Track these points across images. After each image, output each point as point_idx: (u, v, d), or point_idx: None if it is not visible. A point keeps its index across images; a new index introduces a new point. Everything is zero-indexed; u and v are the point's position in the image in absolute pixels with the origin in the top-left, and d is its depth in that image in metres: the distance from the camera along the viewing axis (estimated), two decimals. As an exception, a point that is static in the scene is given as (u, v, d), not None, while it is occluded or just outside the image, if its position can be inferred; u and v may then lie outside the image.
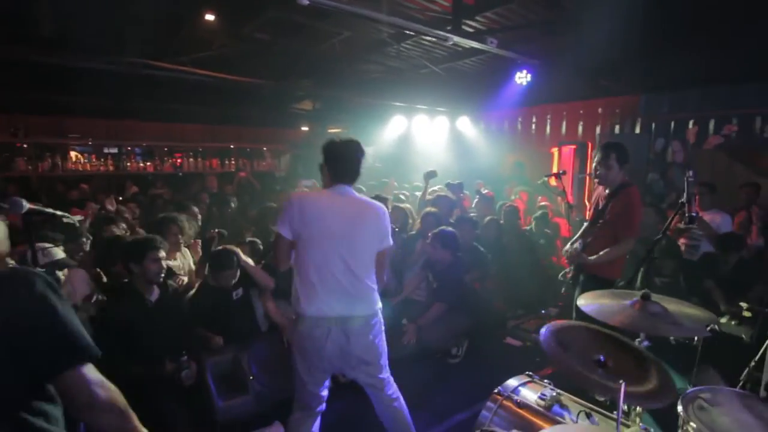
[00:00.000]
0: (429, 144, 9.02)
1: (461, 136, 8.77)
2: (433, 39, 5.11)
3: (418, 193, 5.64)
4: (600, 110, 6.92)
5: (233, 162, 9.85)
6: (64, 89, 7.21)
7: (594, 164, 2.99)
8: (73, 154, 8.55)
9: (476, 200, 5.68)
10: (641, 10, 4.43)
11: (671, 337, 2.92)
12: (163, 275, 2.53)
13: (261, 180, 8.83)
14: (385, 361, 2.21)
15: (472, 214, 4.94)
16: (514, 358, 3.73)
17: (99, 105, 8.31)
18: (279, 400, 2.53)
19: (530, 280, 4.54)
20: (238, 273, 2.92)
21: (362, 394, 2.30)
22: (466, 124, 8.73)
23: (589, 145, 6.48)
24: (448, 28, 4.35)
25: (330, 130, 11.46)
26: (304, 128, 11.28)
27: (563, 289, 3.22)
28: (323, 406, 2.20)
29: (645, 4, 4.36)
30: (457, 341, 3.62)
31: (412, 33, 5.42)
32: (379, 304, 2.16)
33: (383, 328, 2.20)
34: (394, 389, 2.27)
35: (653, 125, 6.23)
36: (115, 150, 9.02)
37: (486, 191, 5.95)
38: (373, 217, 2.11)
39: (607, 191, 2.95)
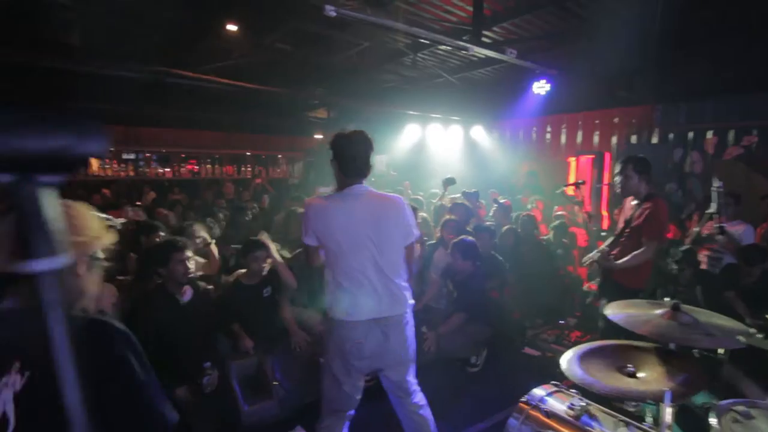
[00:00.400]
0: (443, 152, 9.06)
1: (475, 144, 8.79)
2: (449, 48, 5.18)
3: (434, 201, 5.67)
4: (616, 120, 6.90)
5: (249, 168, 9.99)
6: (86, 96, 7.40)
7: (614, 175, 3.07)
8: (93, 160, 8.75)
9: (494, 209, 5.67)
10: (658, 19, 4.45)
11: (695, 351, 2.90)
12: (191, 274, 2.58)
13: (275, 186, 8.93)
14: (414, 362, 2.21)
15: (488, 223, 4.94)
16: (533, 368, 3.70)
17: (119, 112, 8.51)
18: (302, 405, 2.54)
19: (548, 289, 4.52)
20: (267, 267, 2.99)
21: (383, 400, 2.29)
22: (480, 133, 8.76)
23: (607, 155, 6.45)
24: (465, 37, 4.41)
25: (344, 138, 11.55)
26: (318, 136, 11.40)
27: (588, 299, 3.21)
28: (354, 410, 2.19)
29: (662, 14, 4.38)
30: (476, 350, 3.61)
31: (428, 42, 5.49)
32: (411, 301, 2.14)
33: (414, 325, 2.20)
34: (420, 397, 2.25)
35: (670, 135, 6.19)
36: (133, 156, 9.21)
37: (503, 200, 5.96)
38: (394, 211, 2.06)
39: (633, 202, 3.01)
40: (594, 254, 3.11)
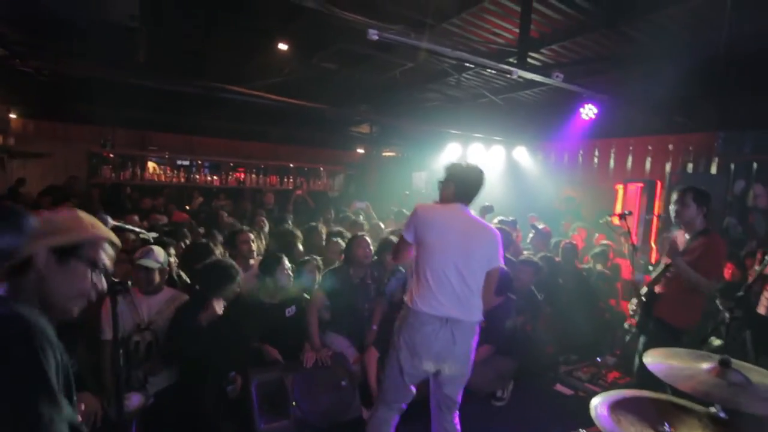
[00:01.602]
0: (484, 173, 8.90)
1: (517, 166, 8.59)
2: (494, 71, 5.12)
3: None
4: (671, 146, 6.51)
5: (291, 180, 10.29)
6: (148, 106, 7.99)
7: (671, 204, 2.93)
8: (150, 165, 9.37)
9: (531, 235, 5.49)
10: (723, 43, 4.18)
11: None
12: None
13: (315, 199, 9.14)
14: (466, 379, 2.32)
15: (525, 251, 4.77)
16: (564, 407, 3.49)
17: (176, 121, 9.11)
18: (318, 428, 2.54)
19: (586, 323, 4.27)
20: (291, 280, 3.04)
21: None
22: (523, 155, 8.55)
23: (659, 183, 6.09)
24: (511, 60, 4.34)
25: (384, 154, 11.70)
26: (360, 150, 11.59)
27: (627, 338, 3.04)
28: (406, 404, 2.32)
29: (727, 37, 4.12)
30: (501, 383, 3.47)
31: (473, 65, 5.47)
32: (481, 317, 2.30)
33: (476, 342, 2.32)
34: (458, 421, 2.36)
35: (732, 166, 5.75)
36: (186, 163, 9.76)
37: (542, 226, 5.75)
38: (486, 237, 2.28)
39: (687, 236, 2.85)
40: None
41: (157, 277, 2.61)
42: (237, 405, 2.58)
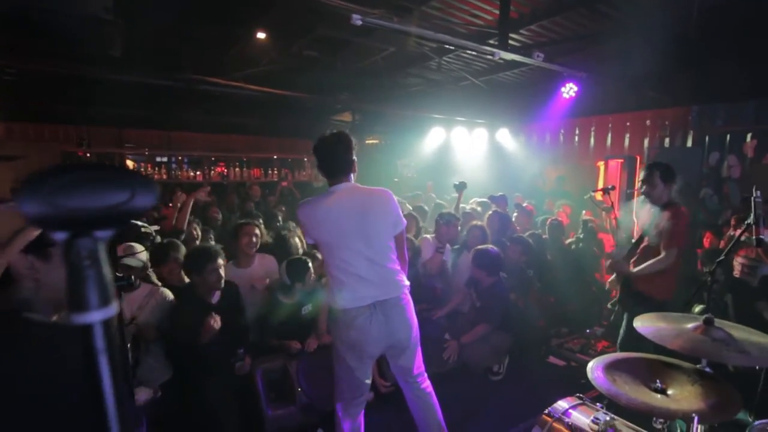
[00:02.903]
0: (468, 156, 8.99)
1: (501, 148, 8.68)
2: (474, 52, 5.15)
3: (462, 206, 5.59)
4: (648, 122, 6.68)
5: (275, 172, 10.19)
6: (124, 103, 7.76)
7: (639, 181, 3.04)
8: (129, 162, 9.14)
9: (515, 214, 5.60)
10: (693, 18, 4.29)
11: (730, 367, 2.79)
12: (223, 282, 2.67)
13: (301, 189, 9.08)
14: (418, 347, 2.29)
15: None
16: (558, 378, 3.64)
17: (153, 117, 8.88)
18: (324, 413, 2.59)
19: (574, 297, 4.43)
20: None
21: (402, 408, 2.33)
22: (506, 137, 8.65)
23: (638, 158, 6.26)
24: (492, 41, 4.37)
25: (368, 142, 11.65)
26: (343, 139, 11.49)
27: (609, 304, 3.21)
28: (366, 396, 2.30)
29: (698, 12, 4.22)
30: (498, 359, 3.58)
31: (453, 47, 5.47)
32: (406, 282, 2.23)
33: (413, 307, 2.27)
34: (428, 384, 2.36)
35: (707, 138, 5.94)
36: (166, 159, 9.55)
37: (525, 204, 5.86)
38: (379, 203, 2.16)
39: (651, 209, 2.97)
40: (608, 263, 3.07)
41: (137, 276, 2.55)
42: (243, 394, 2.62)
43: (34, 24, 2.88)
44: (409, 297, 2.25)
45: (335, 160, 2.17)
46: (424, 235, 4.12)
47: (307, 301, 3.10)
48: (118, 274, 1.73)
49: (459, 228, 4.17)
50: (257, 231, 3.32)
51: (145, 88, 6.17)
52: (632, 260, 3.04)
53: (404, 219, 2.24)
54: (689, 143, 6.11)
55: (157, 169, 9.20)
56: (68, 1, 2.52)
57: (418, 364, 2.33)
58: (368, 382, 2.27)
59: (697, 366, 1.85)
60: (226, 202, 7.67)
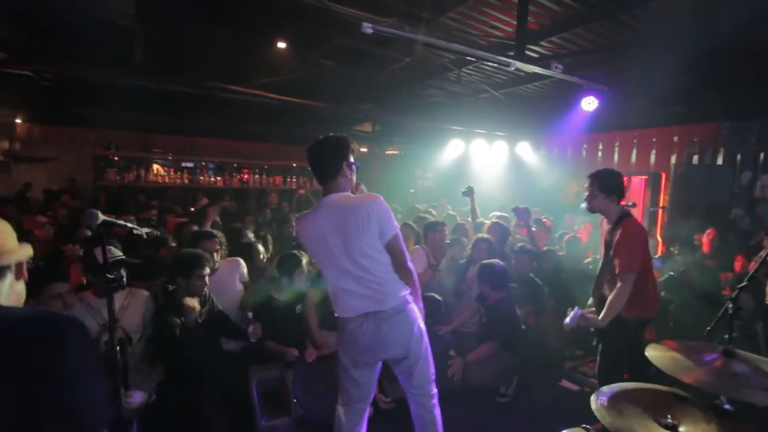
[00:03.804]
0: (487, 168, 8.86)
1: (520, 161, 8.53)
2: (495, 64, 5.08)
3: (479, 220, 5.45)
4: (675, 138, 6.43)
5: (294, 180, 10.29)
6: (150, 108, 8.02)
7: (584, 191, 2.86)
8: (155, 167, 9.40)
9: (534, 229, 5.42)
10: (725, 32, 4.10)
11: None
12: (205, 291, 2.66)
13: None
14: (421, 359, 2.18)
15: (522, 244, 4.70)
16: (570, 403, 3.43)
17: (177, 123, 9.14)
18: (318, 426, 2.52)
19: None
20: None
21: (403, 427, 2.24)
22: (526, 150, 8.49)
23: (663, 175, 6.01)
24: (511, 53, 4.30)
25: (387, 152, 11.67)
26: (363, 149, 11.56)
27: (594, 341, 2.95)
28: (364, 404, 2.24)
29: (729, 26, 4.04)
30: (505, 379, 3.43)
31: (473, 59, 5.42)
32: (404, 292, 2.13)
33: (418, 317, 2.17)
34: (435, 404, 2.27)
35: (738, 156, 5.66)
36: (191, 164, 9.79)
37: (544, 220, 5.69)
38: (362, 216, 2.01)
39: (607, 227, 2.81)
40: (568, 321, 2.71)
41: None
42: (238, 402, 2.58)
43: (57, 28, 3.01)
44: (412, 308, 2.16)
45: (320, 165, 2.12)
46: (415, 246, 4.04)
47: (299, 300, 3.08)
48: (109, 275, 1.73)
49: (446, 232, 4.17)
50: (217, 245, 3.22)
51: (171, 94, 6.36)
52: (607, 277, 2.80)
53: (395, 225, 2.10)
54: (719, 161, 5.83)
55: (180, 173, 9.42)
56: (86, 6, 2.60)
57: (424, 380, 2.23)
58: (367, 389, 2.22)
59: (715, 401, 1.69)
60: (244, 208, 7.80)
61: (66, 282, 2.86)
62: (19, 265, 1.02)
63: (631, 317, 2.65)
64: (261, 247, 4.18)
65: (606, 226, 2.85)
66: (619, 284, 2.57)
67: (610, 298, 2.60)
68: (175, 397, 2.40)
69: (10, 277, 1.00)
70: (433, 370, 2.26)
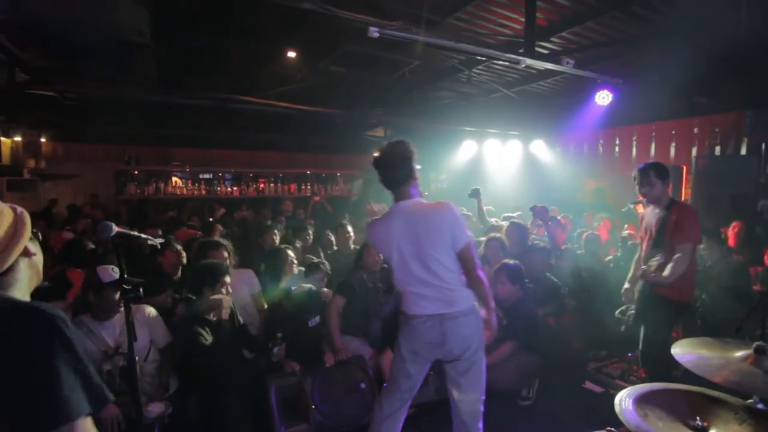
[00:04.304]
0: (501, 168, 8.76)
1: (535, 160, 8.40)
2: (506, 63, 5.03)
3: (493, 219, 5.40)
4: (696, 130, 6.23)
5: (309, 187, 10.38)
6: (169, 123, 8.23)
7: (637, 185, 2.99)
8: (173, 179, 9.61)
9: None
10: (744, 15, 3.97)
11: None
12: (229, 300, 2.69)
13: (334, 204, 9.16)
14: (474, 364, 2.19)
15: (537, 242, 4.61)
16: (594, 406, 3.33)
17: (195, 136, 9.34)
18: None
19: (615, 317, 4.10)
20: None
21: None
22: (540, 148, 8.36)
23: (684, 168, 5.83)
24: (521, 50, 4.25)
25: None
26: (376, 154, 11.57)
27: (623, 327, 3.07)
28: (405, 397, 2.26)
29: (747, 13, 3.90)
30: (526, 382, 3.35)
31: (483, 58, 5.39)
32: (470, 299, 2.16)
33: (482, 324, 2.20)
34: (481, 405, 2.26)
35: (763, 145, 5.45)
36: (209, 176, 9.97)
37: (561, 218, 5.58)
38: (434, 224, 2.09)
39: (656, 211, 2.95)
40: (629, 281, 2.98)
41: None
42: (257, 410, 2.59)
43: (76, 48, 3.11)
44: (477, 314, 2.19)
45: (391, 172, 2.15)
46: None
47: (312, 309, 3.04)
48: (126, 286, 1.76)
49: None
50: (225, 253, 3.20)
51: (186, 108, 6.51)
52: (653, 264, 2.92)
53: (467, 233, 2.16)
54: (743, 151, 5.63)
55: (197, 185, 9.60)
56: (102, 26, 2.68)
57: (473, 386, 2.22)
58: (414, 382, 2.25)
59: (747, 402, 1.62)
60: (261, 217, 7.88)
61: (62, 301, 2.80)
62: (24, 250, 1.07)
63: (678, 298, 2.83)
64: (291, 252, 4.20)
65: (654, 213, 2.99)
66: (680, 254, 2.73)
67: (671, 263, 2.74)
68: (196, 405, 2.43)
69: (22, 262, 1.08)
70: (484, 379, 2.25)
